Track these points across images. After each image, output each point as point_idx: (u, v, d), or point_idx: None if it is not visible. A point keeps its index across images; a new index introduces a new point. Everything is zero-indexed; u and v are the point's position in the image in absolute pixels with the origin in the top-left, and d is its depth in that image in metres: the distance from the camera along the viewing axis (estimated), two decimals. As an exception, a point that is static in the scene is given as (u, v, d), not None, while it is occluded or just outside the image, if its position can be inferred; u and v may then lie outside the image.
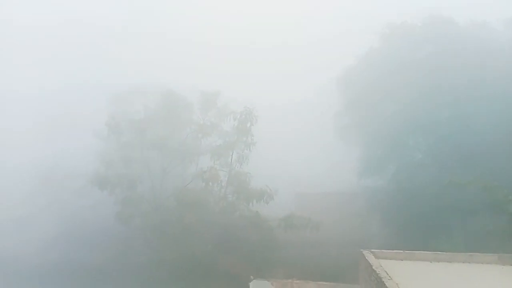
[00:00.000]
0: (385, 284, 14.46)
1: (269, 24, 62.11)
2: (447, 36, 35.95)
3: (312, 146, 44.71)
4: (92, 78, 47.63)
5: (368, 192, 36.70)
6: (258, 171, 36.68)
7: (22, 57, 54.39)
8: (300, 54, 56.43)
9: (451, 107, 33.29)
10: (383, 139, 35.99)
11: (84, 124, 39.83)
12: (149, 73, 46.27)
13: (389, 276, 15.22)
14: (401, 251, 20.74)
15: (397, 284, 14.54)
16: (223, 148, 38.49)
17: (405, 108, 35.14)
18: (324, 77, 45.02)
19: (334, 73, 42.32)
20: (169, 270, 33.44)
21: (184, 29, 60.52)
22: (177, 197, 35.40)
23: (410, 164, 35.21)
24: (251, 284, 27.36)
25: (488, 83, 31.78)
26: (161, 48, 57.77)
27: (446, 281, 16.98)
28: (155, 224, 34.43)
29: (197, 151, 38.89)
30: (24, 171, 41.47)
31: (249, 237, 33.40)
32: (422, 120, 33.90)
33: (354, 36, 45.04)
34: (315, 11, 61.38)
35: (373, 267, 16.56)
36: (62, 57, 54.98)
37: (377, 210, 35.35)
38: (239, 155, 37.98)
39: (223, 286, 31.18)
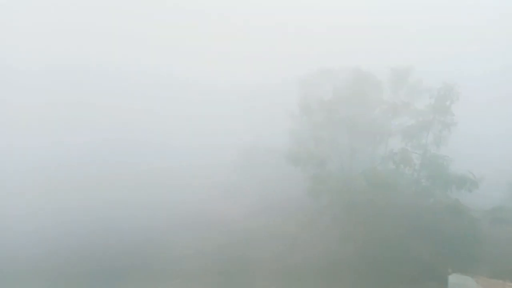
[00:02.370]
0: None
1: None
2: None
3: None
4: (282, 61, 51.36)
5: None
6: (458, 155, 32.86)
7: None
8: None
9: None
10: None
11: (278, 106, 43.50)
12: (336, 53, 46.73)
13: None
14: None
15: None
16: (416, 129, 35.93)
17: None
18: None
19: None
20: (356, 249, 33.51)
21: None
22: (365, 177, 34.82)
23: None
24: (450, 278, 25.03)
25: None
26: (344, 27, 57.27)
27: None
28: (344, 202, 34.84)
29: (387, 131, 37.46)
30: (231, 148, 48.34)
31: (446, 226, 30.50)
32: None
33: None
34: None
35: None
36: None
37: None
38: (435, 136, 34.77)
39: (415, 274, 29.51)
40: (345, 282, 30.33)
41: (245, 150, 46.33)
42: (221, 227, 38.75)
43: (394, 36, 50.99)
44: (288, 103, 40.89)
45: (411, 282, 29.14)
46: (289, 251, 34.56)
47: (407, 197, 34.04)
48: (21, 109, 57.11)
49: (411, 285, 29.03)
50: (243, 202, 43.11)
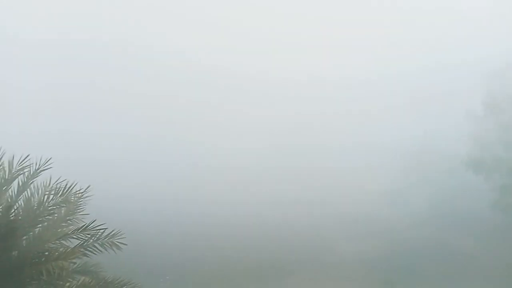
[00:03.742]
0: None
1: None
2: None
3: None
4: (427, 54, 45.14)
5: None
6: None
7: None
8: None
9: None
10: None
11: (456, 104, 38.56)
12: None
13: None
14: None
15: None
16: None
17: None
18: None
19: None
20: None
21: None
22: None
23: None
24: None
25: None
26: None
27: None
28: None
29: None
30: (396, 149, 44.96)
31: None
32: None
33: None
34: None
35: None
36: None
37: None
38: None
39: None
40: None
41: (413, 152, 42.62)
42: (384, 235, 36.53)
43: None
44: (467, 100, 35.89)
45: None
46: (463, 267, 30.56)
47: None
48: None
49: None
50: (410, 210, 39.78)
